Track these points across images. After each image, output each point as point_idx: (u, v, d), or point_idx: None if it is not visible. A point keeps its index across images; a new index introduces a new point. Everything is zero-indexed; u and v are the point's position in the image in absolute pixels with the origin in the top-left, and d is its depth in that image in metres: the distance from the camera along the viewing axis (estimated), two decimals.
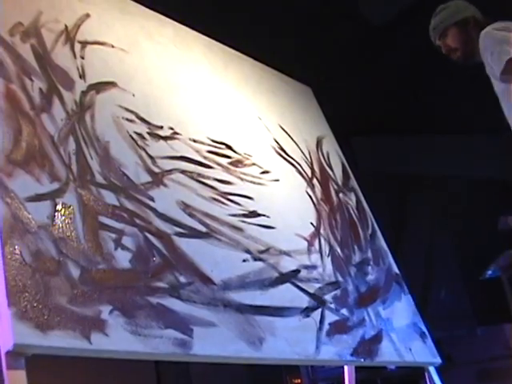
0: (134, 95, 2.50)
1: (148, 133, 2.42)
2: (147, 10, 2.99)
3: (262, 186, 2.81)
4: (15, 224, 1.73)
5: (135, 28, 2.82)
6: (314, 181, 3.23)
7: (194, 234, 2.28)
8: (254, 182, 2.76)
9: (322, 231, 2.96)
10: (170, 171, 2.38)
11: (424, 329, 3.08)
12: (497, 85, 2.79)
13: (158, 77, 2.73)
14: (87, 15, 2.57)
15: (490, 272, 4.58)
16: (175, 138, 2.53)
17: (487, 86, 2.81)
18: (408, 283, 3.25)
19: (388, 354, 2.74)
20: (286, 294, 2.45)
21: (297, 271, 2.58)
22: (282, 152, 3.13)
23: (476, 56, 2.87)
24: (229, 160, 2.71)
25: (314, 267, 2.70)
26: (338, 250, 2.96)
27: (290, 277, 2.53)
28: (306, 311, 2.47)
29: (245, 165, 2.78)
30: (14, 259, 1.67)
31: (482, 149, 6.06)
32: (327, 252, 2.87)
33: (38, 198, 1.85)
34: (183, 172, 2.44)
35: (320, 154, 3.47)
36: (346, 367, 3.01)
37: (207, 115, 2.81)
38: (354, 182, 3.54)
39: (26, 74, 2.12)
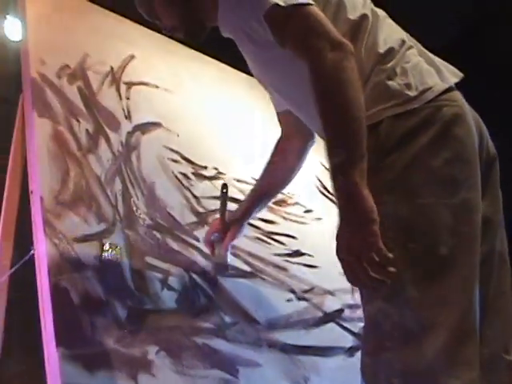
0: (178, 135, 2.52)
1: (192, 173, 2.44)
2: (191, 50, 3.02)
3: (306, 225, 2.80)
4: (63, 264, 1.75)
5: (179, 68, 2.85)
6: None
7: (238, 273, 2.28)
8: (297, 222, 2.75)
9: None
10: (215, 211, 2.39)
11: None
12: (256, 53, 1.80)
13: (201, 116, 2.75)
14: (132, 56, 2.61)
15: None
16: (219, 178, 2.54)
17: None
18: None
19: None
20: (330, 334, 2.44)
21: (340, 310, 2.56)
22: (325, 190, 3.12)
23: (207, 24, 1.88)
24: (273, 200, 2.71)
25: (357, 306, 2.67)
26: None
27: (334, 316, 2.51)
28: (351, 351, 2.44)
29: (288, 204, 2.78)
30: (62, 300, 1.68)
31: None
32: None
33: (85, 238, 1.87)
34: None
35: None
36: None
37: (251, 154, 2.82)
38: None
39: (73, 115, 2.16)
